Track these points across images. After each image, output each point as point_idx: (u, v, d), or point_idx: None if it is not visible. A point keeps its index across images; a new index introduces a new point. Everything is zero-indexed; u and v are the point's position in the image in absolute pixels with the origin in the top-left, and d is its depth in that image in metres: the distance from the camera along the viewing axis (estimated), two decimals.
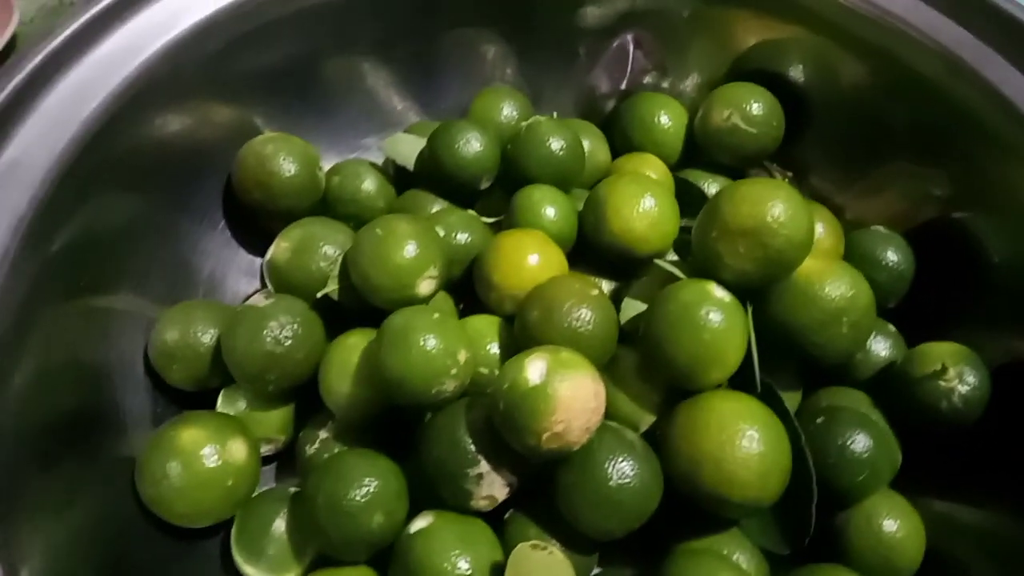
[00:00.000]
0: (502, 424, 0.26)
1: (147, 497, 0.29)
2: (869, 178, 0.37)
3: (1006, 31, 0.31)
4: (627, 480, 0.26)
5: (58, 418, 0.28)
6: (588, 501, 0.26)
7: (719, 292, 0.29)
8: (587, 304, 0.29)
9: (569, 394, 0.25)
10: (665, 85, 0.42)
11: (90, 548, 0.28)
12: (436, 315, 0.28)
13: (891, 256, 0.34)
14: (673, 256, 0.34)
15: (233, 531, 0.30)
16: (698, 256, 0.30)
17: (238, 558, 0.30)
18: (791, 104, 0.38)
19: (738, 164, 0.39)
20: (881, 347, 0.33)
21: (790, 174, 0.40)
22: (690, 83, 0.41)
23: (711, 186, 0.39)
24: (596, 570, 0.30)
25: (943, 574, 0.29)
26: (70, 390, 0.29)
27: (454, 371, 0.27)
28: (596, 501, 0.26)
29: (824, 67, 0.37)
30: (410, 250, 0.30)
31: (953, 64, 0.32)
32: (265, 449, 0.33)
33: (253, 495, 0.31)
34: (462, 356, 0.28)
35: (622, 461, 0.26)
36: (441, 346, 0.27)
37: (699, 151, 0.39)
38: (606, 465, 0.26)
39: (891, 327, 0.34)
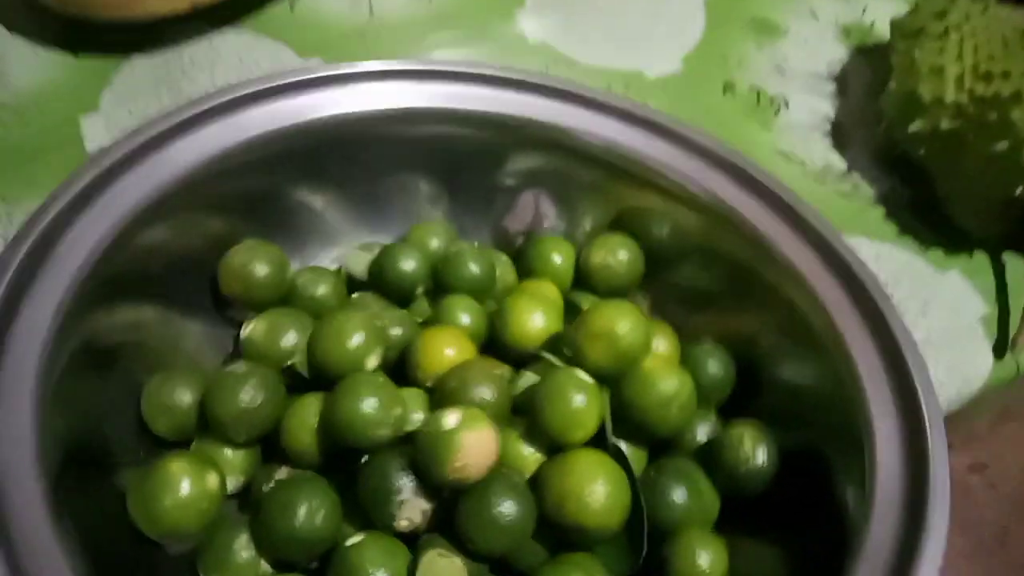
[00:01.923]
0: (420, 460, 0.36)
1: (137, 520, 0.36)
2: (701, 305, 0.50)
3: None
4: (509, 511, 0.36)
5: (63, 452, 0.35)
6: (478, 525, 0.36)
7: (584, 376, 0.40)
8: (490, 380, 0.40)
9: (472, 440, 0.35)
10: (561, 228, 0.55)
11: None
12: (381, 379, 0.38)
13: (712, 366, 0.46)
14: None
15: (200, 556, 0.38)
16: (570, 351, 0.41)
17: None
18: (651, 250, 0.51)
19: (610, 293, 0.51)
20: (705, 429, 0.44)
21: (648, 300, 0.53)
22: (579, 230, 0.54)
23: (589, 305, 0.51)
24: None
25: None
26: (75, 428, 0.37)
27: (390, 421, 0.37)
28: (485, 525, 0.36)
29: (674, 230, 0.50)
30: (359, 338, 0.40)
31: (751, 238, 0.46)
32: (230, 486, 0.41)
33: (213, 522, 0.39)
34: (396, 411, 0.38)
35: (506, 497, 0.36)
36: (381, 402, 0.37)
37: (583, 280, 0.52)
38: (494, 499, 0.36)
39: (712, 415, 0.45)
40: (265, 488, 0.40)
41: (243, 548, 0.37)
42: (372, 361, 0.41)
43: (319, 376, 0.41)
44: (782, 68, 0.74)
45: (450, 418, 0.36)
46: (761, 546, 0.41)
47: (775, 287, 0.44)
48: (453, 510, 0.37)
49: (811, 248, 0.44)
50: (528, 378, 0.42)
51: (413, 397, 0.41)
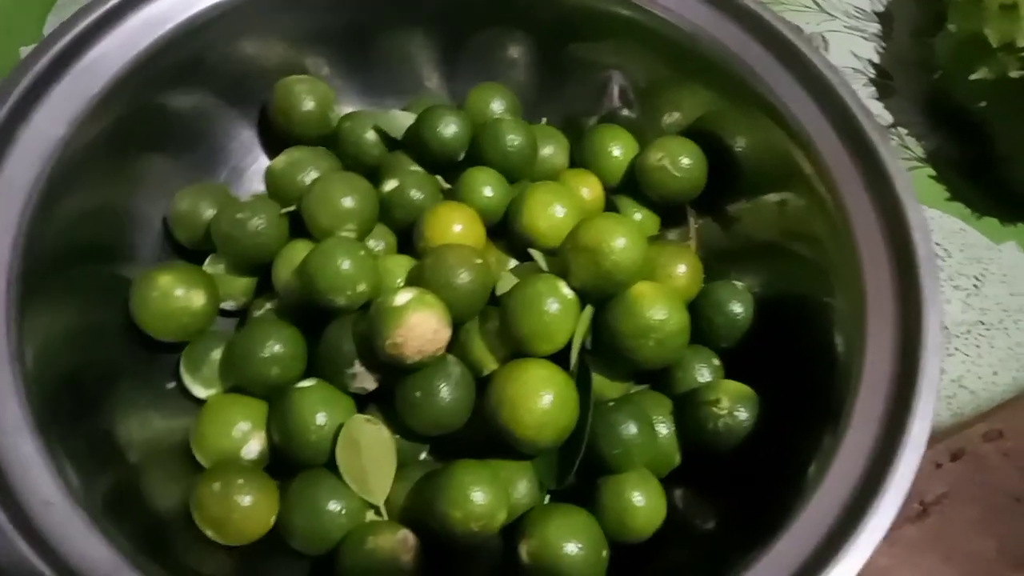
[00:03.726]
0: (368, 328, 0.36)
1: (133, 313, 0.40)
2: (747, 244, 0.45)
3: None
4: (439, 397, 0.36)
5: (85, 240, 0.39)
6: (410, 405, 0.37)
7: (565, 289, 0.38)
8: (468, 268, 0.38)
9: (415, 321, 0.35)
10: (633, 118, 0.50)
11: (85, 337, 0.38)
12: (362, 252, 0.38)
13: (733, 307, 0.41)
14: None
15: (184, 351, 0.41)
16: (560, 258, 0.39)
17: (183, 369, 0.41)
18: (718, 168, 0.46)
19: (660, 201, 0.47)
20: (701, 373, 0.41)
21: (701, 221, 0.48)
22: (649, 128, 0.49)
23: (635, 213, 0.47)
24: (423, 454, 0.40)
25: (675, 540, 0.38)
26: (100, 224, 0.40)
27: (348, 293, 0.37)
28: (415, 406, 0.36)
29: (754, 151, 0.45)
30: (347, 202, 0.41)
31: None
32: (229, 305, 0.44)
33: (207, 331, 0.42)
34: (360, 287, 0.38)
35: (440, 383, 0.36)
36: (348, 272, 0.37)
37: (635, 181, 0.47)
38: (428, 383, 0.36)
39: (716, 360, 0.42)
40: (255, 313, 0.42)
41: (214, 363, 0.40)
42: (349, 229, 0.40)
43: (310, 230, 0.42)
44: (821, 2, 0.61)
45: (402, 296, 0.36)
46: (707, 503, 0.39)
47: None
48: (394, 388, 0.38)
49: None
50: (508, 278, 0.40)
51: (399, 267, 0.41)
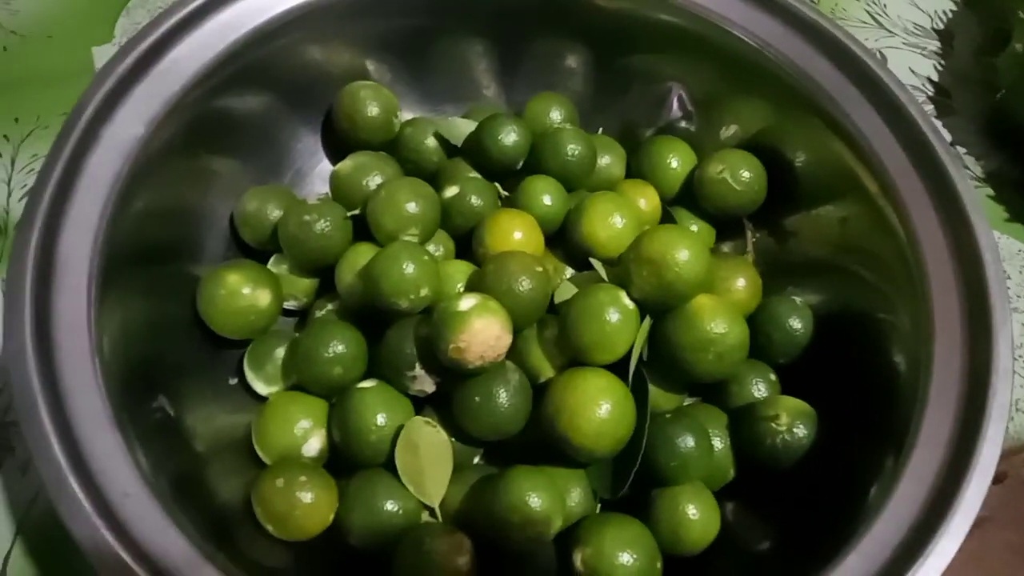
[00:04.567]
0: (431, 332, 0.37)
1: (200, 310, 0.41)
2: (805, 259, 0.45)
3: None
4: (498, 402, 0.36)
5: (158, 237, 0.40)
6: (468, 409, 0.37)
7: (625, 299, 0.38)
8: (529, 275, 0.39)
9: (478, 327, 0.35)
10: (692, 130, 0.50)
11: (155, 331, 0.39)
12: (426, 257, 0.38)
13: (792, 323, 0.41)
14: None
15: (248, 348, 0.42)
16: (621, 268, 0.39)
17: (247, 366, 0.42)
18: (777, 181, 0.46)
19: (718, 214, 0.47)
20: (757, 388, 0.41)
21: (758, 235, 0.47)
22: (708, 140, 0.49)
23: (691, 225, 0.47)
24: (477, 458, 0.40)
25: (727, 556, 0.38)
26: (171, 222, 0.41)
27: (411, 297, 0.38)
28: (474, 410, 0.37)
29: (815, 166, 0.44)
30: (411, 207, 0.41)
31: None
32: (292, 304, 0.45)
33: (271, 329, 0.43)
34: (423, 291, 0.38)
35: (500, 389, 0.36)
36: (412, 276, 0.38)
37: (693, 193, 0.47)
38: (488, 388, 0.36)
39: (773, 376, 0.41)
40: (317, 313, 0.43)
41: (278, 361, 0.41)
42: (412, 233, 0.41)
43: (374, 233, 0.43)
44: (880, 18, 0.60)
45: (466, 301, 0.36)
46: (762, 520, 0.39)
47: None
48: (452, 391, 0.38)
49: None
50: (568, 287, 0.40)
51: (460, 272, 0.41)
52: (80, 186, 0.37)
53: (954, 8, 0.62)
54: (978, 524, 0.42)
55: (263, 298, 0.41)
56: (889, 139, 0.40)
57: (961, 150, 0.56)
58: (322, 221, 0.41)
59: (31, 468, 0.42)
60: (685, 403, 0.42)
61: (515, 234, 0.42)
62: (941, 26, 0.61)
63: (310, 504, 0.36)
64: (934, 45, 0.60)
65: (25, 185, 0.51)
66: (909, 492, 0.32)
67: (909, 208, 0.38)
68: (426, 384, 0.39)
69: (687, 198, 0.47)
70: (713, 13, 0.45)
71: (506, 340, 0.37)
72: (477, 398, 0.37)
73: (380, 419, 0.37)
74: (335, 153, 0.50)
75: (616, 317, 0.37)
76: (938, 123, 0.57)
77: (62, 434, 0.30)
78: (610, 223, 0.42)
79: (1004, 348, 0.33)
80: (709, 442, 0.38)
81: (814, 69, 0.42)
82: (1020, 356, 0.48)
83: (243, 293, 0.40)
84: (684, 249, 0.36)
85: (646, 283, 0.37)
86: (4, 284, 0.36)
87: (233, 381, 0.43)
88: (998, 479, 0.43)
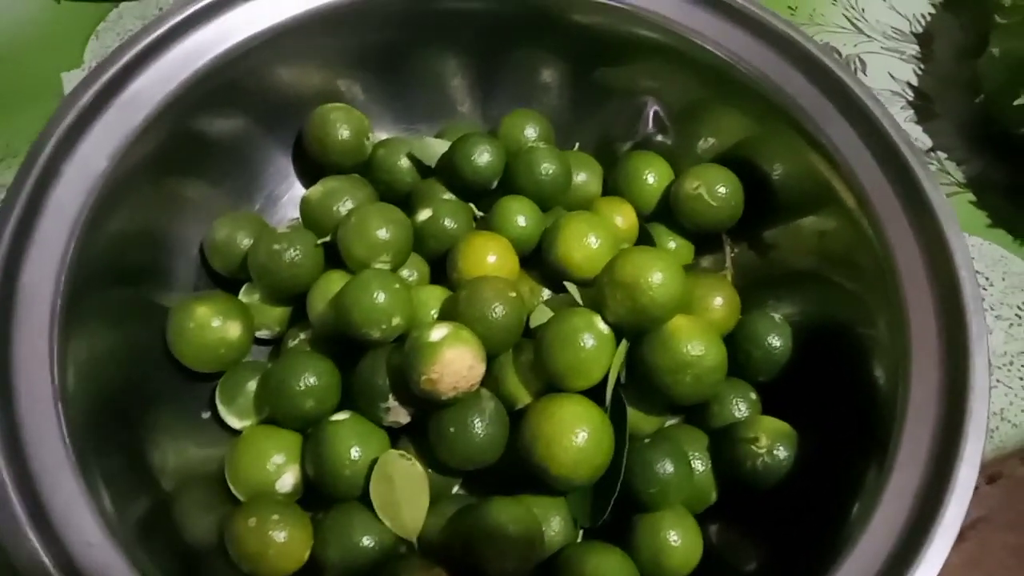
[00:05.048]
0: (403, 363, 0.36)
1: (169, 343, 0.40)
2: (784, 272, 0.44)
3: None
4: (473, 432, 0.36)
5: (125, 268, 0.39)
6: (443, 440, 0.36)
7: (600, 324, 0.37)
8: (502, 302, 0.38)
9: (450, 357, 0.35)
10: (668, 144, 0.49)
11: (123, 365, 0.38)
12: (397, 285, 0.38)
13: (772, 340, 0.41)
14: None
15: (220, 381, 0.42)
16: (595, 291, 0.38)
17: (218, 399, 0.41)
18: (754, 194, 0.45)
19: (696, 230, 0.46)
20: (738, 407, 0.40)
21: (737, 249, 0.47)
22: (684, 155, 0.48)
23: (669, 242, 0.46)
24: (456, 488, 0.40)
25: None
26: (140, 251, 0.40)
27: (383, 327, 0.37)
28: (449, 441, 0.36)
29: (792, 179, 0.44)
30: (382, 233, 0.40)
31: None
32: (264, 333, 0.44)
33: (242, 360, 0.42)
34: (395, 320, 0.37)
35: (474, 419, 0.36)
36: (383, 305, 0.37)
37: (670, 210, 0.47)
38: (462, 418, 0.36)
39: (753, 394, 0.41)
40: (289, 343, 0.42)
41: (249, 394, 0.41)
42: (384, 260, 0.40)
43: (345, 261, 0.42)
44: (858, 23, 0.60)
45: (437, 331, 0.36)
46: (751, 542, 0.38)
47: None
48: (427, 422, 0.38)
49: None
50: (543, 311, 0.39)
51: (433, 299, 0.41)
52: (43, 220, 0.36)
53: (933, 11, 0.62)
54: (976, 526, 0.42)
55: (233, 330, 0.40)
56: (863, 152, 0.39)
57: (942, 155, 0.55)
58: (292, 250, 0.41)
59: None
60: (667, 423, 0.42)
61: (489, 258, 0.42)
62: (920, 30, 0.61)
63: (284, 543, 0.35)
64: (913, 49, 0.60)
65: None
66: (890, 513, 0.31)
67: (883, 222, 0.37)
68: (400, 415, 0.38)
69: (665, 214, 0.47)
70: (686, 28, 0.44)
71: (479, 370, 0.36)
72: (452, 428, 0.36)
73: (354, 453, 0.37)
74: (307, 176, 0.49)
75: (591, 343, 0.37)
76: (919, 128, 0.56)
77: (20, 484, 0.29)
78: (585, 244, 0.41)
79: (980, 367, 0.33)
80: (689, 466, 0.37)
81: (787, 82, 0.42)
82: (1004, 364, 0.48)
83: (213, 326, 0.40)
84: (658, 272, 0.36)
85: (620, 307, 0.37)
86: None
87: (206, 415, 0.42)
88: (992, 479, 0.43)
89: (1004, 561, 0.41)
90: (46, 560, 0.28)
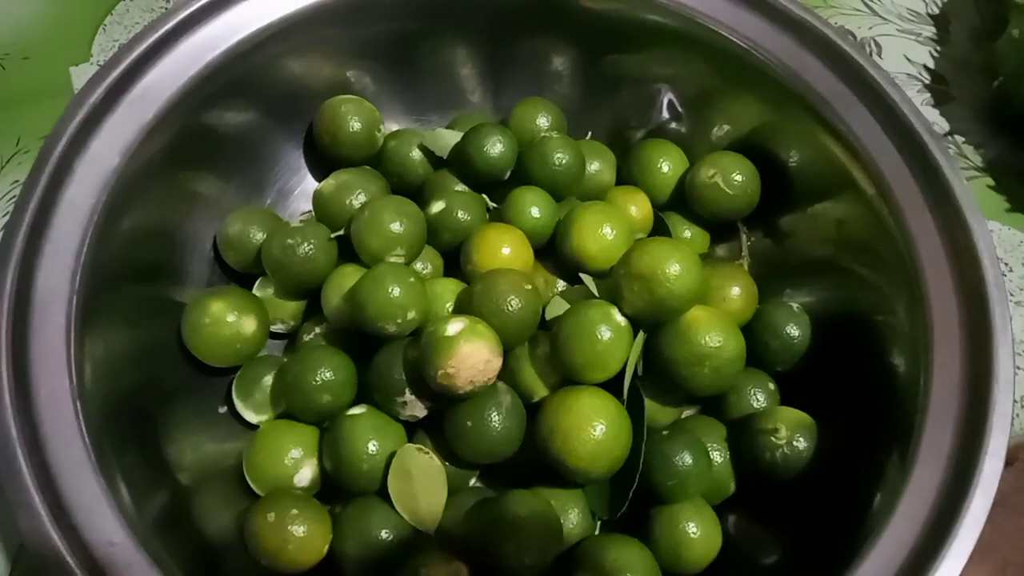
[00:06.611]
0: (419, 357, 0.36)
1: (185, 339, 0.41)
2: (802, 260, 0.44)
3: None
4: (490, 426, 0.35)
5: (140, 264, 0.39)
6: (460, 434, 0.36)
7: (617, 316, 0.37)
8: (518, 294, 0.38)
9: (467, 351, 0.35)
10: (683, 132, 0.49)
11: (139, 362, 0.38)
12: (412, 278, 0.38)
13: (790, 330, 0.40)
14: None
15: (236, 375, 0.42)
16: (612, 283, 0.38)
17: (235, 394, 0.41)
18: (770, 181, 0.45)
19: (712, 218, 0.46)
20: (756, 398, 0.40)
21: (753, 238, 0.46)
22: (699, 143, 0.48)
23: (684, 231, 0.46)
24: (473, 480, 0.40)
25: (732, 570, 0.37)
26: (153, 247, 0.40)
27: (399, 321, 0.37)
28: (466, 435, 0.36)
29: (809, 166, 0.43)
30: (396, 227, 0.40)
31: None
32: (279, 328, 0.44)
33: (258, 355, 0.42)
34: (411, 314, 0.37)
35: (491, 412, 0.36)
36: (398, 299, 0.37)
37: (685, 198, 0.46)
38: (479, 412, 0.36)
39: (771, 384, 0.41)
40: (304, 337, 0.42)
41: (266, 389, 0.41)
42: (398, 254, 0.40)
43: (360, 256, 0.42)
44: (873, 5, 0.59)
45: (453, 325, 0.36)
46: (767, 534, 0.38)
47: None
48: (444, 415, 0.37)
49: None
50: (559, 303, 0.39)
51: (448, 291, 0.41)
52: (57, 219, 0.36)
53: None
54: (990, 510, 0.42)
55: (248, 325, 0.40)
56: (882, 138, 0.39)
57: (960, 139, 0.54)
58: (305, 244, 0.40)
59: None
60: (684, 414, 0.42)
61: (503, 250, 0.41)
62: (936, 11, 0.60)
63: (303, 537, 0.35)
64: (930, 31, 0.59)
65: (7, 213, 0.51)
66: (912, 508, 0.31)
67: (904, 209, 0.37)
68: (417, 409, 0.38)
69: (680, 203, 0.47)
70: (701, 14, 0.43)
71: (496, 363, 0.36)
72: (469, 422, 0.36)
73: (371, 447, 0.37)
74: (319, 169, 0.49)
75: (608, 335, 0.36)
76: (935, 111, 0.56)
77: (43, 485, 0.29)
78: (600, 235, 0.41)
79: (1004, 357, 0.32)
80: (707, 458, 0.37)
81: (804, 68, 0.41)
82: (1022, 352, 0.48)
83: (228, 321, 0.40)
84: (675, 263, 0.35)
85: (637, 299, 0.36)
86: None
87: (222, 409, 0.42)
88: (1007, 463, 0.42)
89: (1019, 544, 0.41)
90: (71, 561, 0.28)
